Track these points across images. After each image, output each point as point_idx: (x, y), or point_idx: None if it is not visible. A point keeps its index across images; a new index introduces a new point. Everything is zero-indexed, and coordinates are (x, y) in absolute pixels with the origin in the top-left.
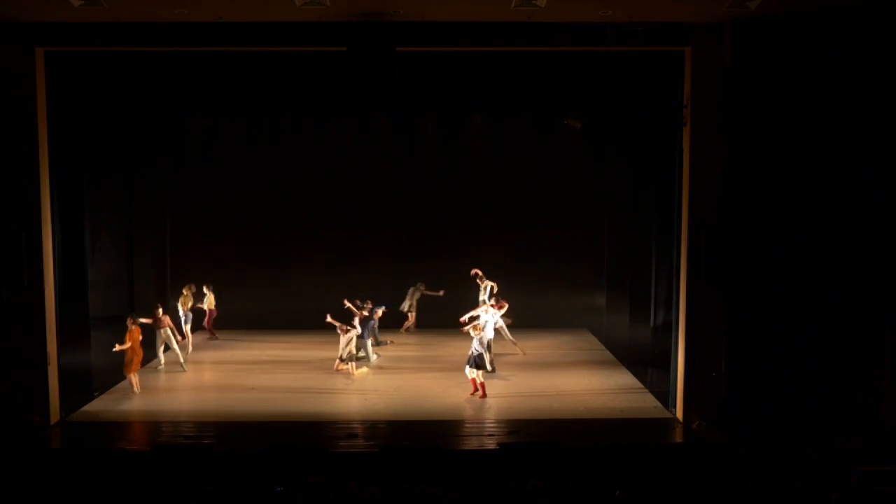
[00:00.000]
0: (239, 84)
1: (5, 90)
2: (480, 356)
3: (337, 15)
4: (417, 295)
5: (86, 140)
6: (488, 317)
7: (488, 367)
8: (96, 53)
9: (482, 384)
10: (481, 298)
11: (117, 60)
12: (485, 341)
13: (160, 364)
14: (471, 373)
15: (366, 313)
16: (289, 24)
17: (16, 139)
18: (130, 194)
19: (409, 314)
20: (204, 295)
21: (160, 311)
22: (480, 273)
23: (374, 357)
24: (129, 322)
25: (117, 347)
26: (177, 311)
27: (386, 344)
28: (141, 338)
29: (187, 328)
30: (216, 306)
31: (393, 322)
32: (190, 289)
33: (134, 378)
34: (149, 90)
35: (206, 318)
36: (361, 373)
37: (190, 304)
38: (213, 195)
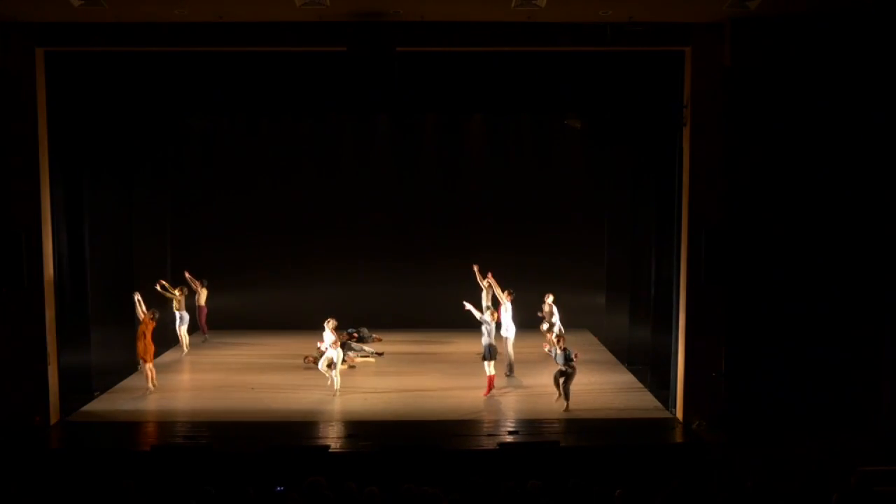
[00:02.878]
0: (239, 84)
1: (5, 90)
2: (490, 346)
3: (337, 15)
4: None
5: (86, 140)
6: (508, 315)
7: (506, 369)
8: (96, 53)
9: (491, 377)
10: (485, 305)
11: (117, 61)
12: (509, 342)
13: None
14: (488, 368)
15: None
16: (289, 24)
17: (16, 139)
18: (130, 194)
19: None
20: (195, 292)
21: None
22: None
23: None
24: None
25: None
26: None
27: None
28: (153, 325)
29: (182, 330)
30: (206, 303)
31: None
32: (182, 291)
33: (151, 371)
34: (149, 90)
35: (200, 316)
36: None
37: (184, 305)
38: (213, 195)
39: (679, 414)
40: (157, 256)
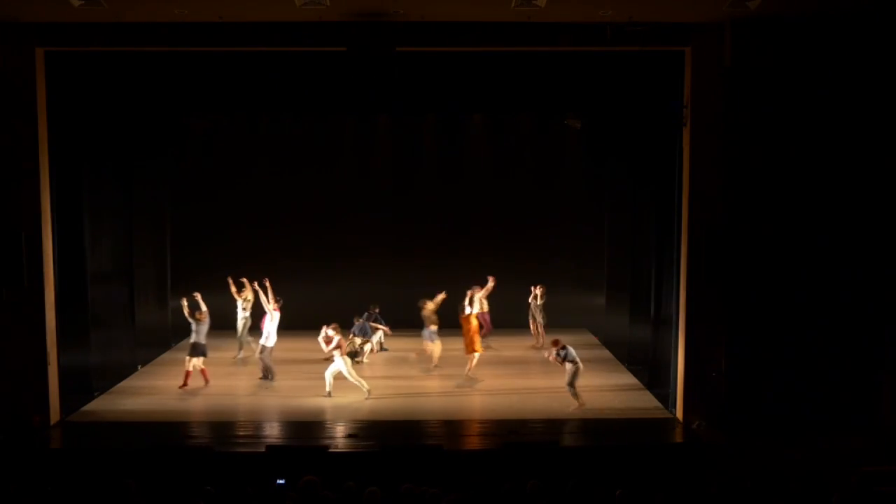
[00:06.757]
0: (239, 84)
1: (5, 90)
2: (197, 345)
3: (337, 15)
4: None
5: (86, 140)
6: (274, 325)
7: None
8: (96, 53)
9: (188, 372)
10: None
11: (117, 60)
12: (269, 351)
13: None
14: (189, 363)
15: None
16: (289, 24)
17: (16, 139)
18: (130, 194)
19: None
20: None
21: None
22: (246, 282)
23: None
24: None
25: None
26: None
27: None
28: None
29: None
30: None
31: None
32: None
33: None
34: (149, 90)
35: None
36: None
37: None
38: (214, 195)
39: (679, 414)
40: (157, 256)
